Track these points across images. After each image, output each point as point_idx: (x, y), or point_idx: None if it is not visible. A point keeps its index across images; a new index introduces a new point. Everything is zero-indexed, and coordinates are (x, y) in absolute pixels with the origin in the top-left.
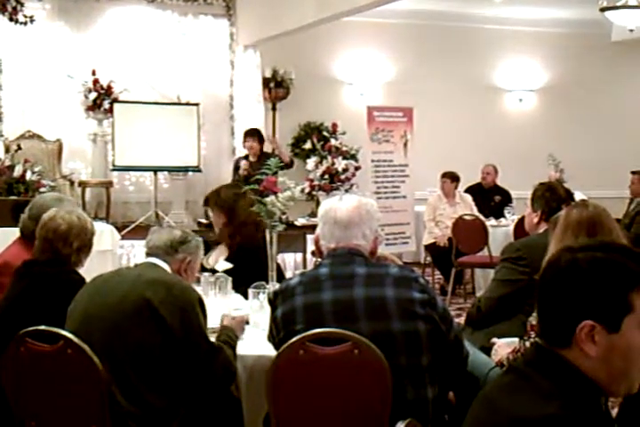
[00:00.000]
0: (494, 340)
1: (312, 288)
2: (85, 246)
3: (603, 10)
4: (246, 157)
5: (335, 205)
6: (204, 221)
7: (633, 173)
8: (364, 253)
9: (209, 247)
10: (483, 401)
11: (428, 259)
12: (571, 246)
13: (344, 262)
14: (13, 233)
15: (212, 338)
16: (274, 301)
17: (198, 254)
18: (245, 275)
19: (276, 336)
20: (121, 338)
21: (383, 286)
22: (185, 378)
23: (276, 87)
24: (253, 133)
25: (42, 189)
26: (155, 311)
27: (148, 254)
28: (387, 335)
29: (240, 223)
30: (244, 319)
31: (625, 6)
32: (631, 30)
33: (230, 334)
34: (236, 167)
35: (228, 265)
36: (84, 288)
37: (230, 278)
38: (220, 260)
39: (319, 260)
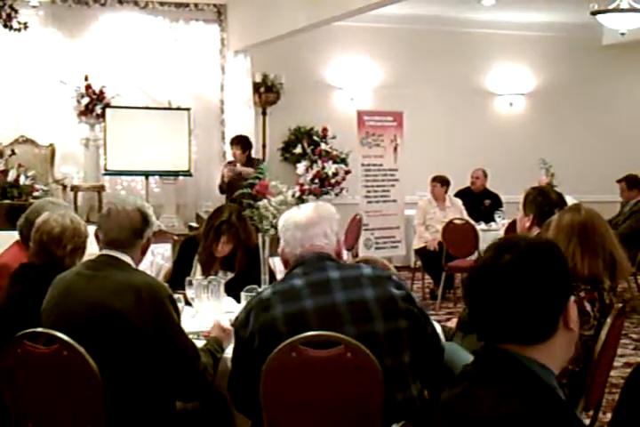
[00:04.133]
0: None
1: (290, 297)
2: (79, 249)
3: (594, 13)
4: (230, 163)
5: (293, 212)
6: (194, 224)
7: (618, 181)
8: (332, 256)
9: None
10: (443, 410)
11: (418, 263)
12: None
13: (316, 269)
14: (8, 236)
15: (198, 342)
16: (245, 319)
17: (155, 227)
18: (242, 281)
19: (245, 349)
20: (92, 347)
21: (361, 286)
22: (167, 378)
23: (266, 92)
24: (238, 142)
25: (35, 194)
26: (126, 321)
27: (108, 245)
28: (372, 337)
29: (247, 243)
30: (232, 333)
31: (616, 10)
32: (622, 34)
33: (216, 346)
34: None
35: (230, 275)
36: (49, 295)
37: (223, 282)
38: (218, 271)
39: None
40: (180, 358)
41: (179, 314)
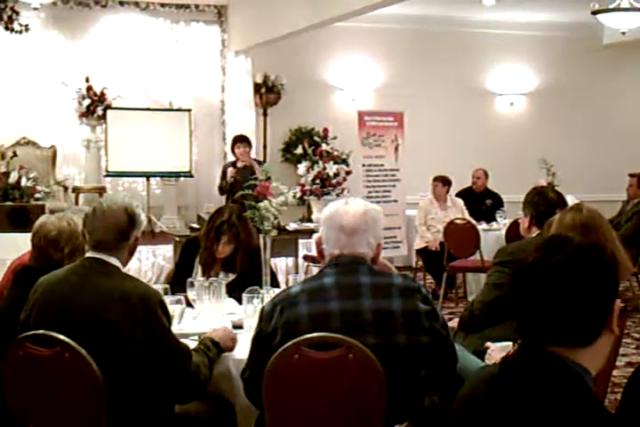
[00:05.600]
0: (488, 344)
1: (317, 297)
2: (77, 251)
3: (594, 13)
4: (234, 164)
5: (341, 209)
6: (195, 226)
7: (631, 175)
8: (367, 261)
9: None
10: (474, 405)
11: (420, 263)
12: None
13: (348, 271)
14: (9, 238)
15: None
16: (270, 312)
17: (143, 226)
18: (244, 282)
19: (265, 343)
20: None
21: (390, 297)
22: (160, 382)
23: (267, 93)
24: (244, 139)
25: (36, 195)
26: (117, 330)
27: (94, 247)
28: (392, 348)
29: (247, 242)
30: (227, 330)
31: (617, 9)
32: (623, 33)
33: (207, 342)
34: (224, 173)
35: (231, 276)
36: (34, 298)
37: (224, 283)
38: (220, 272)
39: (311, 264)
40: (172, 361)
41: (169, 318)
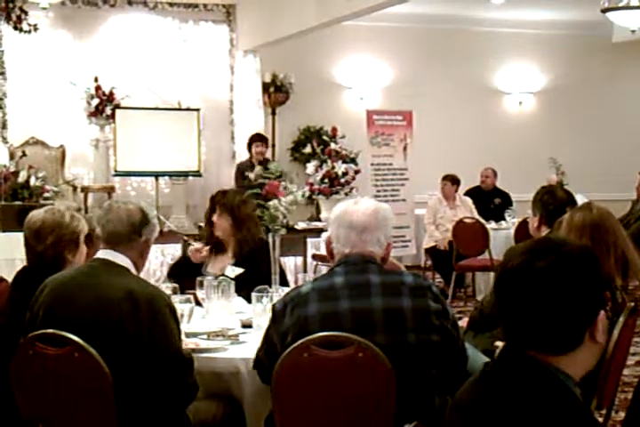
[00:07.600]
0: (498, 343)
1: (327, 296)
2: (62, 242)
3: (604, 11)
4: (252, 163)
5: (351, 208)
6: (204, 224)
7: None
8: (377, 260)
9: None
10: (462, 411)
11: (429, 262)
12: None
13: (358, 271)
14: (17, 238)
15: (208, 342)
16: (282, 310)
17: (156, 232)
18: (252, 278)
19: (277, 344)
20: None
21: (400, 295)
22: (159, 387)
23: (275, 92)
24: (264, 138)
25: (45, 195)
26: (121, 328)
27: (106, 241)
28: (402, 347)
29: (247, 228)
30: None
31: (627, 7)
32: (633, 31)
33: None
34: (242, 172)
35: (239, 270)
36: (43, 298)
37: (233, 282)
38: (227, 265)
39: (320, 263)
40: (173, 368)
41: (177, 322)
